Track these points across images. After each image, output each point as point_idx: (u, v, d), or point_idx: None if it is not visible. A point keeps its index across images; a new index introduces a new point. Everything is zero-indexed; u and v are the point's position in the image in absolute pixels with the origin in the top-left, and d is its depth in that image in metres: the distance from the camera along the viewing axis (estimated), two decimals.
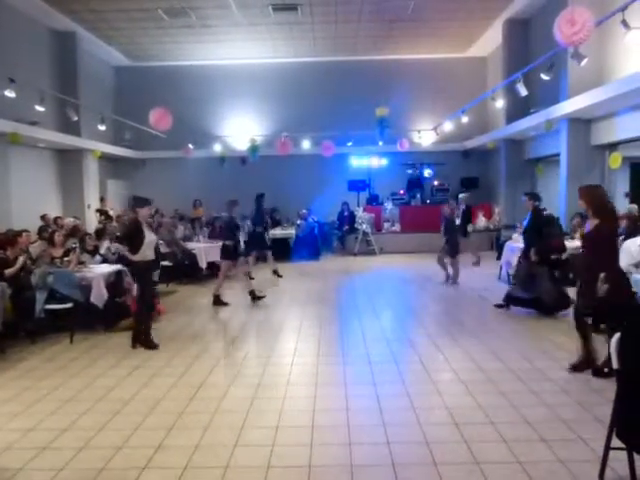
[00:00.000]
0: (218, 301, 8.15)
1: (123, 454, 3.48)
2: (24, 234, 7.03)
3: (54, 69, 13.51)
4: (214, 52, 15.83)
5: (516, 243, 9.29)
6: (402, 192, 16.00)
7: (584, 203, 4.67)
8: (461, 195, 13.81)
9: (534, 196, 7.56)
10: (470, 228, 12.31)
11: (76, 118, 11.81)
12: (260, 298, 8.30)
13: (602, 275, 4.28)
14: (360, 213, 14.45)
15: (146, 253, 5.79)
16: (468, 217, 12.54)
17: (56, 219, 11.27)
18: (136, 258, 5.76)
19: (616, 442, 2.89)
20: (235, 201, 8.51)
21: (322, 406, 4.19)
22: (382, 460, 3.32)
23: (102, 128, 12.92)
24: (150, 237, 5.85)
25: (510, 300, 7.34)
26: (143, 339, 5.91)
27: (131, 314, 6.73)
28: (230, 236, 8.26)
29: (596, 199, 4.59)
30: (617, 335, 2.98)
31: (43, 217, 11.39)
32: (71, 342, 6.18)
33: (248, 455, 3.44)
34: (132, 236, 5.78)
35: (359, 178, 16.04)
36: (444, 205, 10.24)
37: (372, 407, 4.14)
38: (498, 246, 11.76)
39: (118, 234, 9.15)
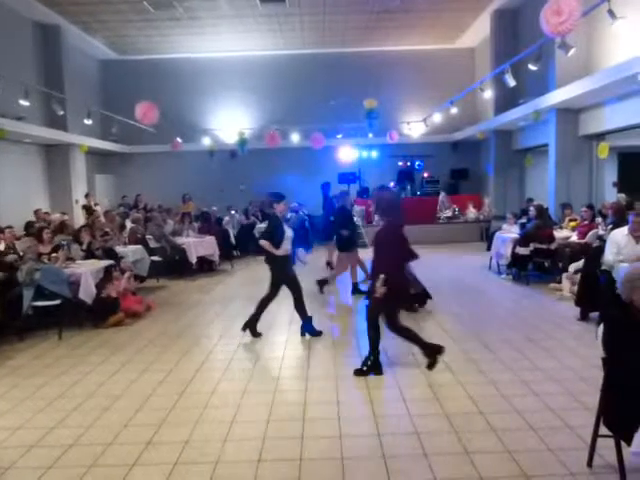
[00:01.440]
0: (321, 287, 8.13)
1: (112, 451, 3.46)
2: (6, 230, 6.94)
3: (39, 63, 13.31)
4: (201, 45, 15.67)
5: (507, 234, 9.35)
6: (392, 184, 16.00)
7: (374, 205, 4.79)
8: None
9: None
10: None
11: (62, 112, 11.66)
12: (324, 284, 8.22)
13: (382, 276, 4.39)
14: None
15: (286, 247, 5.92)
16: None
17: (43, 215, 11.15)
18: (279, 253, 5.81)
19: (604, 430, 2.92)
20: (347, 192, 8.39)
21: (313, 399, 4.18)
22: (373, 452, 3.32)
23: (89, 122, 12.76)
24: (288, 232, 5.98)
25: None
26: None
27: (119, 309, 6.69)
28: (346, 226, 8.04)
29: (383, 202, 4.70)
30: (603, 324, 3.00)
31: (36, 212, 11.24)
32: (59, 339, 6.13)
33: (239, 449, 3.43)
34: (275, 231, 5.88)
35: (349, 170, 16.00)
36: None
37: (362, 399, 4.14)
38: (488, 237, 11.82)
39: (107, 230, 9.09)
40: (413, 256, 4.76)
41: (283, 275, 5.94)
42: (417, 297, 6.98)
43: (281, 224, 5.93)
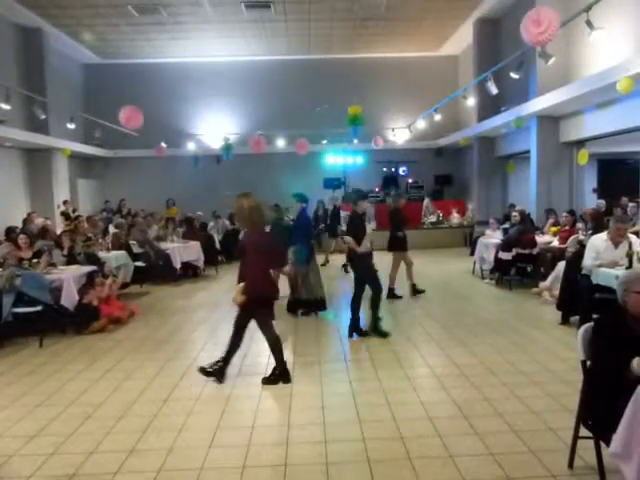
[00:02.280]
0: (393, 294, 8.10)
1: (95, 459, 3.41)
2: None
3: (20, 66, 13.16)
4: (186, 49, 15.64)
5: (489, 239, 9.46)
6: (377, 189, 16.10)
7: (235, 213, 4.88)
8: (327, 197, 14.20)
9: None
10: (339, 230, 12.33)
11: (44, 116, 11.52)
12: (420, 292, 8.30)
13: (241, 285, 4.50)
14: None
15: (367, 244, 6.03)
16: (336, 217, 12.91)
17: (32, 216, 11.01)
18: (360, 249, 5.90)
19: (584, 432, 2.97)
20: (400, 193, 8.76)
21: (298, 404, 4.18)
22: (357, 456, 3.33)
23: (71, 127, 12.64)
24: (369, 229, 6.19)
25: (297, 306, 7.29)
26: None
27: (101, 317, 6.62)
28: (399, 227, 8.17)
29: (244, 210, 4.64)
30: (584, 327, 3.05)
31: (29, 216, 11.09)
32: (40, 346, 6.03)
33: (223, 456, 3.41)
34: (358, 229, 5.98)
35: (334, 176, 16.06)
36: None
37: (347, 404, 4.15)
38: (471, 242, 11.95)
39: (90, 235, 8.99)
40: (280, 262, 4.80)
41: (366, 271, 6.01)
42: (314, 304, 7.08)
43: (363, 221, 6.09)
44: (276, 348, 4.71)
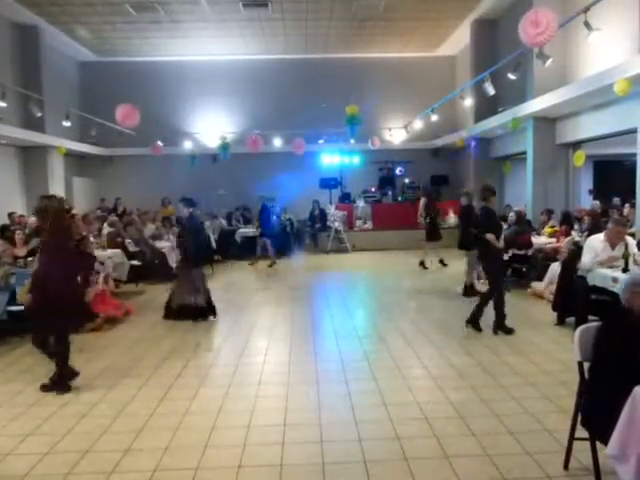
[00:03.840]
0: (472, 291, 7.96)
1: (90, 458, 3.39)
2: None
3: (16, 64, 13.08)
4: (183, 48, 15.59)
5: None
6: (374, 190, 16.10)
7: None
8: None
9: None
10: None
11: (40, 114, 11.47)
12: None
13: (27, 281, 4.46)
14: (332, 211, 14.48)
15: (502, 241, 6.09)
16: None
17: (18, 217, 10.93)
18: (500, 245, 5.98)
19: (580, 433, 2.98)
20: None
21: (294, 405, 4.17)
22: (354, 457, 3.33)
23: (67, 124, 12.58)
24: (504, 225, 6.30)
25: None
26: (498, 326, 6.00)
27: (95, 316, 6.58)
28: (470, 225, 8.03)
29: (42, 211, 4.57)
30: (581, 328, 3.05)
31: (10, 215, 11.02)
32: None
33: (219, 455, 3.40)
34: (495, 224, 6.04)
35: (331, 176, 16.06)
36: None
37: (344, 404, 4.15)
38: None
39: (84, 233, 8.94)
40: (83, 268, 4.74)
41: (500, 268, 6.08)
42: (200, 310, 6.96)
43: (497, 217, 6.16)
44: (64, 358, 4.58)
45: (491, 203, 6.18)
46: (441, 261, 10.86)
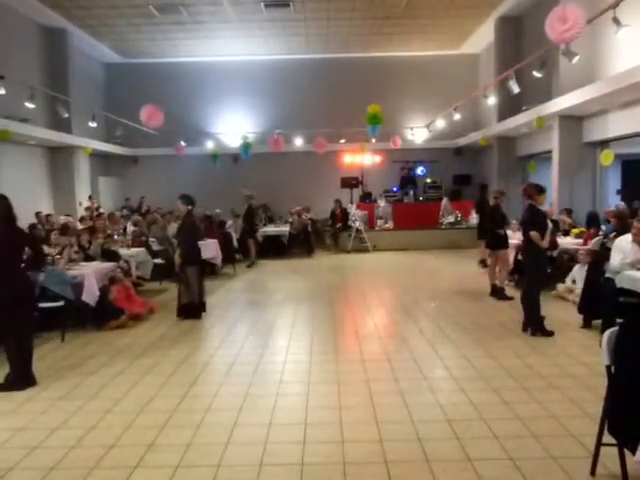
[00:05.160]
0: (503, 295, 7.88)
1: (114, 453, 3.46)
2: None
3: (44, 66, 13.40)
4: (206, 49, 15.76)
5: (510, 240, 9.30)
6: (395, 189, 16.02)
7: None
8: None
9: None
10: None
11: (67, 115, 11.73)
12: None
13: None
14: (353, 210, 14.45)
15: (547, 240, 6.05)
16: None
17: (47, 217, 11.19)
18: (545, 244, 5.95)
19: (607, 439, 2.91)
20: (502, 191, 8.66)
21: (315, 404, 4.18)
22: (375, 457, 3.32)
23: (93, 125, 12.84)
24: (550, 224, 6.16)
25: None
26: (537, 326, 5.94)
27: (120, 313, 6.69)
28: (501, 225, 8.09)
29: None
30: (610, 331, 2.98)
31: (37, 214, 11.30)
32: (62, 340, 6.13)
33: (240, 453, 3.42)
34: (542, 223, 5.99)
35: (352, 175, 16.04)
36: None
37: (365, 404, 4.14)
38: None
39: (109, 231, 9.11)
40: (38, 264, 4.85)
41: (542, 267, 6.03)
42: (192, 307, 7.00)
43: (545, 216, 6.05)
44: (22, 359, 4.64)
45: (537, 201, 6.02)
46: (482, 261, 10.52)
